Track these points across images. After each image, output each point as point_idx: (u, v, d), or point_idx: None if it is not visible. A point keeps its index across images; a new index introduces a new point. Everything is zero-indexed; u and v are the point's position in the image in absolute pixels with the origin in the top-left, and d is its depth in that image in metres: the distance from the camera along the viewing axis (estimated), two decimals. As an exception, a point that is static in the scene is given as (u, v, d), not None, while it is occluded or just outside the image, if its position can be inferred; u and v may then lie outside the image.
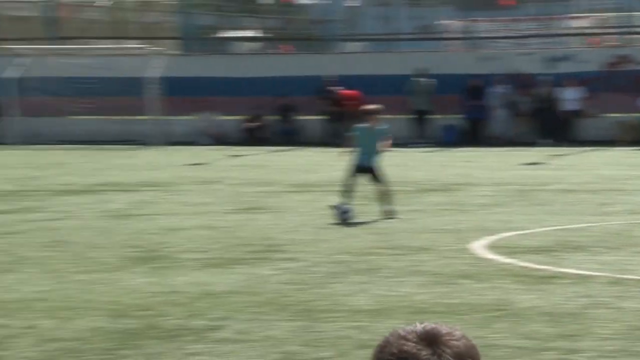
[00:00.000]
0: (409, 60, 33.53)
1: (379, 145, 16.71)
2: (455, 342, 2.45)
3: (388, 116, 31.71)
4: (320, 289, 11.54)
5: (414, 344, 2.45)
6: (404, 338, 2.46)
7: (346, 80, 32.72)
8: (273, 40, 49.09)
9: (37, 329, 9.89)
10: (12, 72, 32.95)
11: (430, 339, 2.45)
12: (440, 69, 32.69)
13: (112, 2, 44.52)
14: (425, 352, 2.43)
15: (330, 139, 31.41)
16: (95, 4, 44.55)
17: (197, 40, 39.50)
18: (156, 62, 33.01)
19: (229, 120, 32.79)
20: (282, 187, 20.81)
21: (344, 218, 16.10)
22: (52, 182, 21.89)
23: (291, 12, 56.39)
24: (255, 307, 10.69)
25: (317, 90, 32.44)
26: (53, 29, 35.53)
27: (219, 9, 54.29)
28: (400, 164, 24.36)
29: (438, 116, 33.02)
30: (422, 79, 32.83)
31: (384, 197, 16.71)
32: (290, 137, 32.05)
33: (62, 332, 9.79)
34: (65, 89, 33.06)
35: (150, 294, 11.35)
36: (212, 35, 44.99)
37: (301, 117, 32.62)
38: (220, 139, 31.89)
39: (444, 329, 2.48)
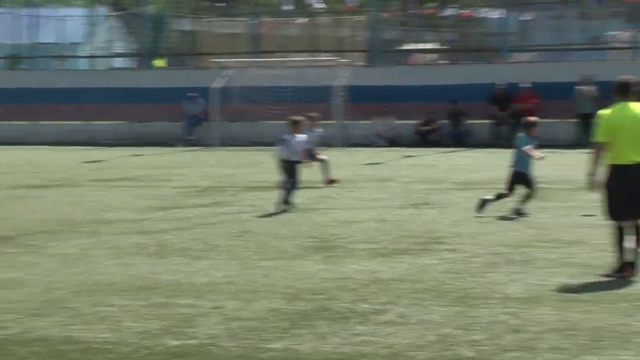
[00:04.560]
0: (577, 68, 32.78)
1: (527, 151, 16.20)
2: None
3: (556, 120, 31.32)
4: (476, 278, 11.46)
5: None
6: None
7: (515, 88, 32.31)
8: (450, 52, 48.77)
9: (223, 309, 10.11)
10: (217, 83, 33.68)
11: None
12: (606, 76, 31.77)
13: (307, 20, 45.06)
14: None
15: (496, 142, 31.06)
16: (294, 22, 45.19)
17: (382, 52, 39.60)
18: (343, 72, 33.25)
19: (405, 124, 32.79)
20: (448, 185, 20.67)
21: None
22: (245, 180, 22.27)
23: (469, 26, 55.89)
24: (417, 294, 10.69)
25: (488, 96, 32.13)
26: (257, 44, 36.18)
27: (404, 24, 54.26)
28: (564, 164, 23.93)
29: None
30: (585, 87, 32.01)
31: (526, 198, 16.36)
32: (460, 140, 31.84)
33: (244, 313, 9.97)
34: (262, 97, 33.68)
35: (323, 280, 11.48)
36: (395, 48, 45.00)
37: (471, 122, 32.36)
38: (395, 141, 31.92)
39: None
